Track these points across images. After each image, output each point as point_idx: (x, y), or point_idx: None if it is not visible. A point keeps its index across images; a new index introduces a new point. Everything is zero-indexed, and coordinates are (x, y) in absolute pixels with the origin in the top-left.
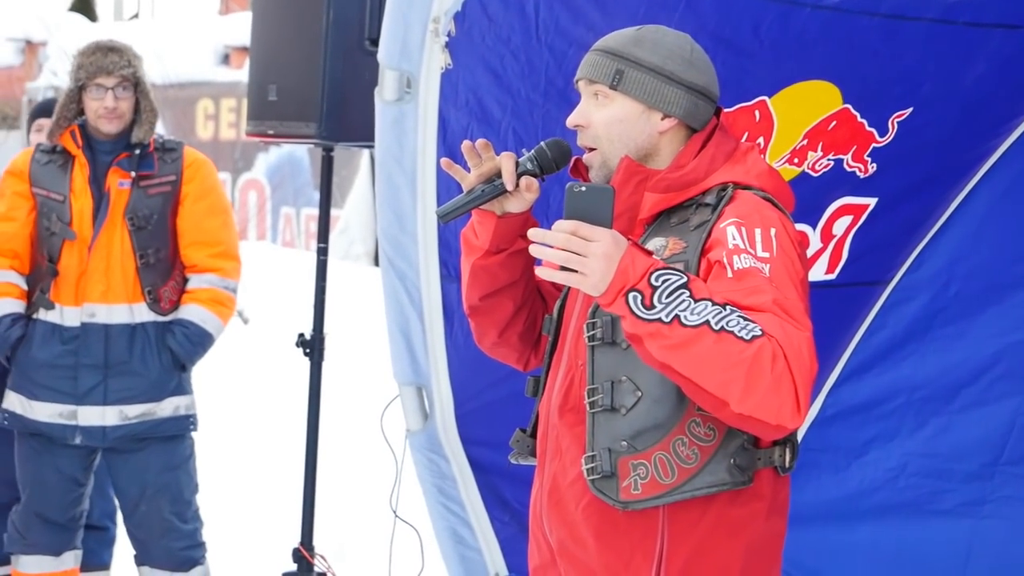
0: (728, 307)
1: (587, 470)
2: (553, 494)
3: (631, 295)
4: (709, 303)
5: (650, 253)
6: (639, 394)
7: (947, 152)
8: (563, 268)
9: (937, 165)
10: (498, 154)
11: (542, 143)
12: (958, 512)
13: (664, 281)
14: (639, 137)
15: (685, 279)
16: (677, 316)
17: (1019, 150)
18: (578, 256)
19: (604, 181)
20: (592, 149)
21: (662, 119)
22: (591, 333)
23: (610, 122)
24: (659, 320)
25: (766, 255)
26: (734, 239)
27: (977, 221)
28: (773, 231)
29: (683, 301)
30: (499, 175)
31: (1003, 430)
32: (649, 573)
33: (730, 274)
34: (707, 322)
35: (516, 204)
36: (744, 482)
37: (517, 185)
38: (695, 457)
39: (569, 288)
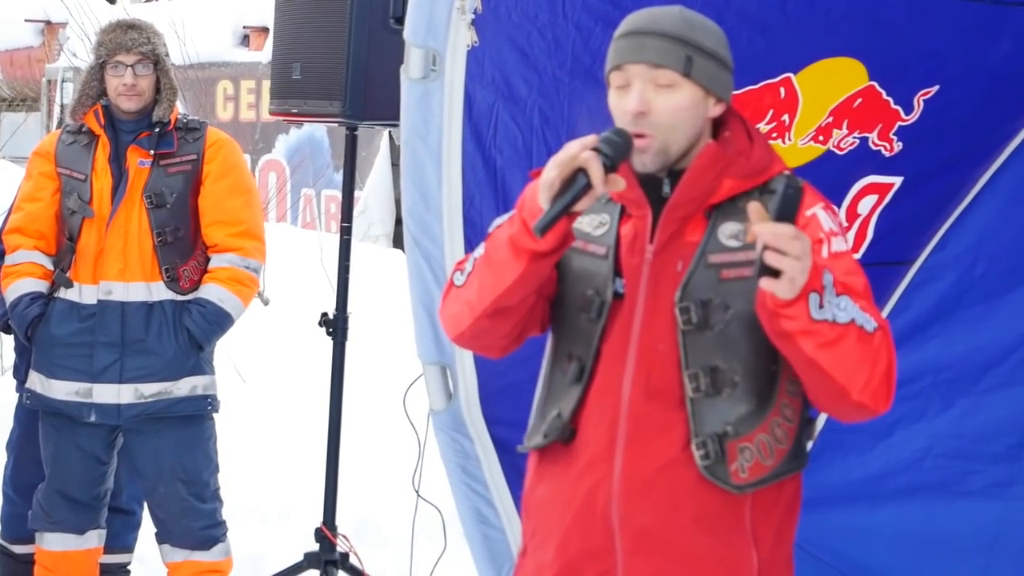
0: (849, 297)
1: (699, 456)
2: (634, 480)
3: (812, 296)
4: (844, 297)
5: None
6: (738, 379)
7: (973, 130)
8: (763, 271)
9: (963, 144)
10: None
11: (610, 134)
12: (985, 494)
13: (827, 280)
14: (698, 123)
15: (832, 276)
16: (835, 316)
17: None
18: (798, 261)
19: (659, 168)
20: (646, 136)
21: (715, 104)
22: (685, 318)
23: (677, 109)
24: (825, 320)
25: (842, 237)
26: (828, 223)
27: (1004, 200)
28: (835, 213)
29: (835, 298)
30: (577, 174)
31: None
32: (750, 554)
33: (826, 254)
34: (853, 319)
35: (588, 202)
36: (806, 460)
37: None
38: (786, 438)
39: (616, 269)
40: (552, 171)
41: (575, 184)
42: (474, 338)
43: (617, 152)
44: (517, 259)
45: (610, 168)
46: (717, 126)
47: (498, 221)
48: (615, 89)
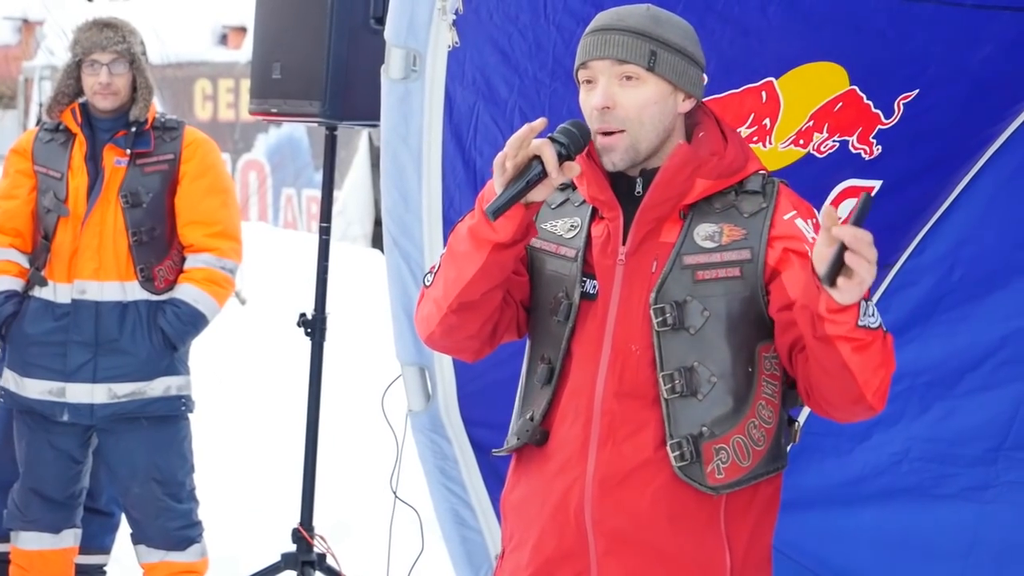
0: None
1: (675, 457)
2: (608, 480)
3: (863, 303)
4: (873, 303)
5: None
6: (714, 380)
7: (953, 135)
8: (833, 274)
9: (943, 148)
10: (507, 133)
11: (568, 125)
12: (962, 497)
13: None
14: (666, 119)
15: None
16: (869, 322)
17: None
18: (873, 269)
19: (632, 164)
20: (614, 132)
21: (683, 99)
22: (660, 319)
23: (643, 104)
24: (866, 326)
25: None
26: (809, 232)
27: (982, 205)
28: (815, 221)
29: (870, 304)
30: (532, 162)
31: (1008, 415)
32: (723, 554)
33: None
34: (881, 324)
35: (544, 192)
36: (785, 462)
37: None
38: (763, 439)
39: (584, 271)
40: (503, 152)
41: (529, 171)
42: (443, 337)
43: (573, 141)
44: (478, 250)
45: (565, 156)
46: (691, 126)
47: (462, 217)
48: (583, 85)
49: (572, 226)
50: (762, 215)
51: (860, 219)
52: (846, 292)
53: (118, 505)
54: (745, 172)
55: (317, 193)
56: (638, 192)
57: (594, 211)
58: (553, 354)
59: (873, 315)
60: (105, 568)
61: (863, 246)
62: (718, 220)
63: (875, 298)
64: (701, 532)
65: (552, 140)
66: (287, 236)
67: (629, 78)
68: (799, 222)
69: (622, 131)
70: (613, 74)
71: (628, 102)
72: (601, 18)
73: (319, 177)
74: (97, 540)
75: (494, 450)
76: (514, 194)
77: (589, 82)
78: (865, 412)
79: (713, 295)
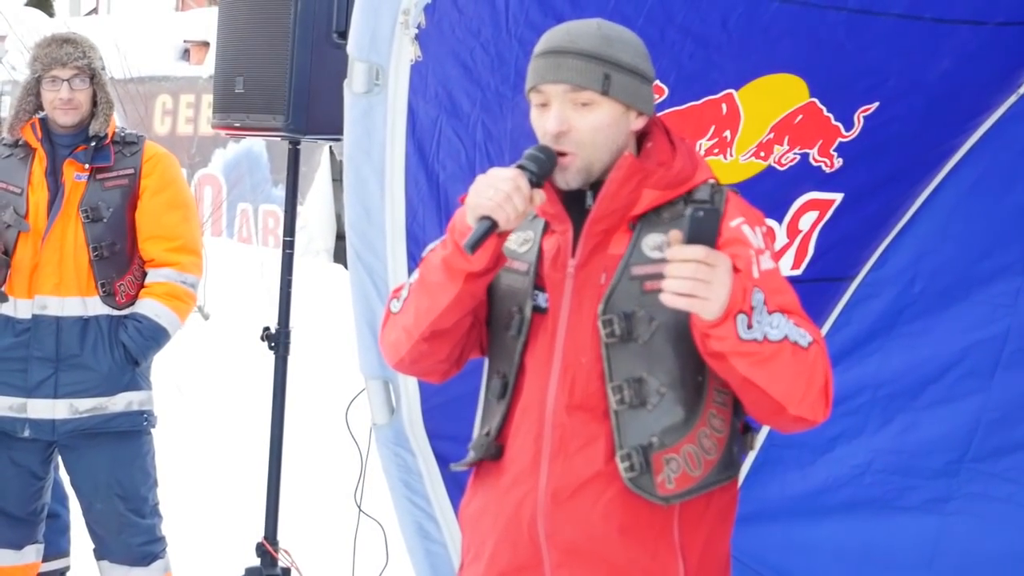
0: (783, 313)
1: (624, 468)
2: (559, 493)
3: (740, 317)
4: (778, 315)
5: (738, 271)
6: (663, 391)
7: (913, 147)
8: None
9: (903, 160)
10: (470, 147)
11: (535, 151)
12: (924, 509)
13: (756, 300)
14: (620, 138)
15: (763, 294)
16: (766, 334)
17: (985, 146)
18: (704, 283)
19: (583, 185)
20: (567, 153)
21: (636, 117)
22: (609, 330)
23: (598, 128)
24: (754, 340)
25: (774, 253)
26: (754, 239)
27: (943, 217)
28: (764, 229)
29: (766, 317)
30: None
31: (969, 427)
32: (676, 564)
33: (756, 275)
34: (786, 335)
35: (518, 221)
36: (738, 470)
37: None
38: (714, 448)
39: (537, 284)
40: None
41: None
42: (414, 363)
43: (541, 168)
44: (452, 281)
45: (535, 184)
46: (641, 137)
47: (431, 246)
48: (535, 107)
49: (525, 240)
50: None
51: (690, 236)
52: (700, 310)
53: (62, 504)
54: (694, 182)
55: (274, 208)
56: (588, 205)
57: (546, 225)
58: (507, 368)
59: (775, 327)
60: (66, 571)
61: (674, 265)
62: (667, 230)
63: (762, 312)
64: (654, 542)
65: (522, 168)
66: (245, 251)
67: (584, 103)
68: (745, 228)
69: (575, 153)
70: (567, 99)
71: (583, 125)
72: (551, 38)
73: (277, 192)
74: (52, 545)
75: (452, 464)
76: (490, 225)
77: (543, 105)
78: (794, 424)
79: (662, 305)
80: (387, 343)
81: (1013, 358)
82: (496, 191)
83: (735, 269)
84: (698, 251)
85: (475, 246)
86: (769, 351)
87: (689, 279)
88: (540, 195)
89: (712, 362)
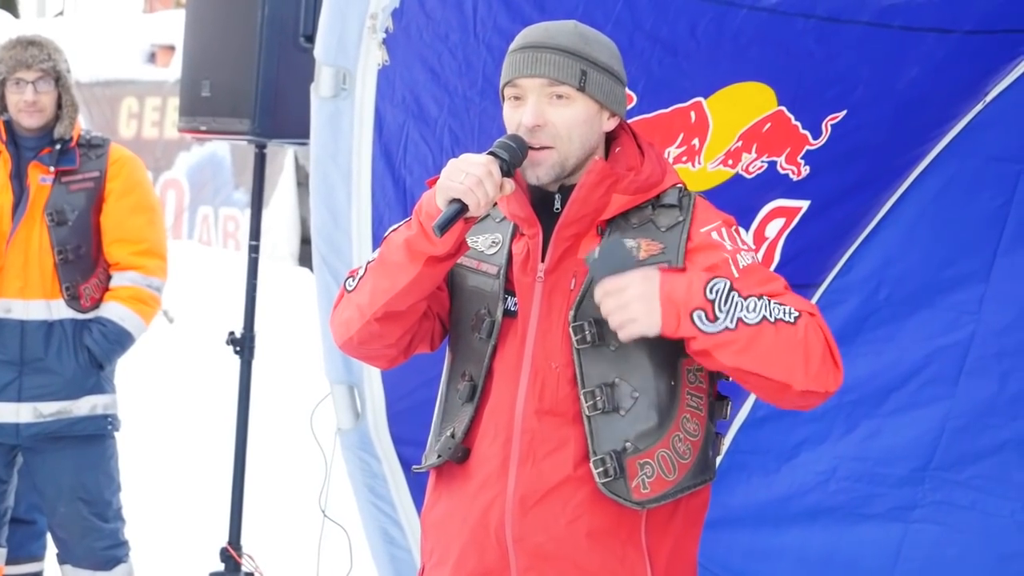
0: (764, 297)
1: (598, 473)
2: (528, 498)
3: (695, 314)
4: (755, 298)
5: (683, 270)
6: (636, 395)
7: (880, 155)
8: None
9: (870, 168)
10: (437, 152)
11: (507, 140)
12: (888, 516)
13: (716, 291)
14: (593, 137)
15: (729, 282)
16: (740, 319)
17: (951, 154)
18: (620, 308)
19: (556, 180)
20: (544, 148)
21: (609, 118)
22: (579, 336)
23: (573, 123)
24: (726, 328)
25: (752, 249)
26: (727, 242)
27: (908, 225)
28: (735, 228)
29: (738, 303)
30: None
31: (933, 434)
32: (643, 568)
33: (736, 273)
34: (764, 317)
35: (486, 207)
36: (714, 473)
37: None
38: (689, 452)
39: (507, 288)
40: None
41: None
42: (362, 344)
43: (513, 156)
44: (412, 262)
45: (506, 172)
46: (610, 142)
47: (394, 227)
48: (509, 101)
49: (494, 242)
50: (679, 228)
51: (599, 276)
52: (637, 331)
53: (40, 511)
54: (662, 187)
55: (235, 211)
56: (557, 209)
57: (515, 228)
58: (475, 371)
59: (750, 311)
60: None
61: (601, 306)
62: (636, 235)
63: (728, 301)
64: (622, 547)
65: (494, 155)
66: (214, 254)
67: (560, 97)
68: (715, 236)
69: (551, 147)
70: (543, 93)
71: (558, 120)
72: (529, 35)
73: (238, 195)
74: (25, 548)
75: (414, 467)
76: (459, 208)
77: (517, 99)
78: (805, 398)
79: None
80: (338, 321)
81: (977, 365)
82: (468, 175)
83: (678, 270)
84: (599, 290)
85: (444, 228)
86: (747, 335)
87: (612, 312)
88: (510, 184)
89: (701, 361)
